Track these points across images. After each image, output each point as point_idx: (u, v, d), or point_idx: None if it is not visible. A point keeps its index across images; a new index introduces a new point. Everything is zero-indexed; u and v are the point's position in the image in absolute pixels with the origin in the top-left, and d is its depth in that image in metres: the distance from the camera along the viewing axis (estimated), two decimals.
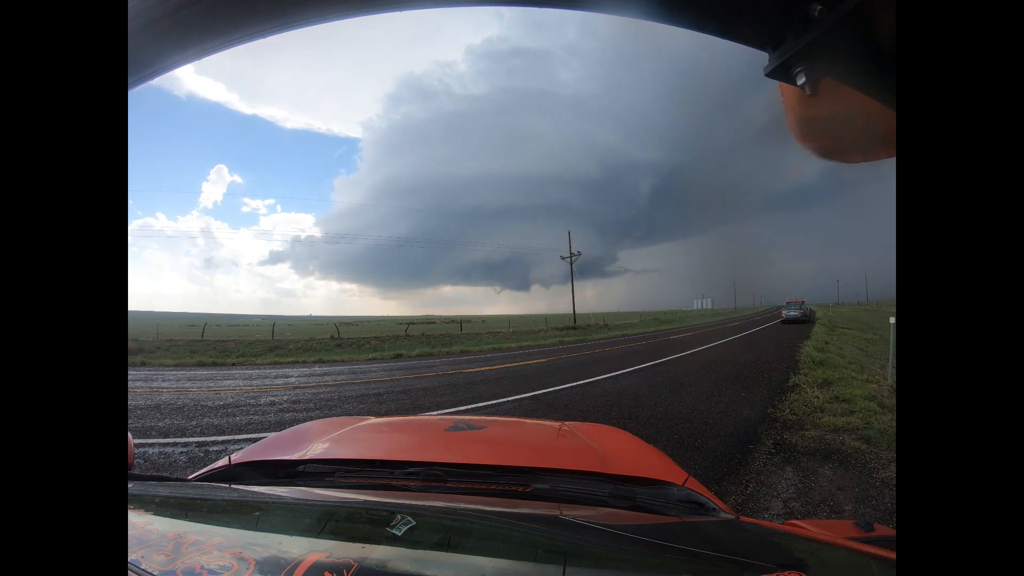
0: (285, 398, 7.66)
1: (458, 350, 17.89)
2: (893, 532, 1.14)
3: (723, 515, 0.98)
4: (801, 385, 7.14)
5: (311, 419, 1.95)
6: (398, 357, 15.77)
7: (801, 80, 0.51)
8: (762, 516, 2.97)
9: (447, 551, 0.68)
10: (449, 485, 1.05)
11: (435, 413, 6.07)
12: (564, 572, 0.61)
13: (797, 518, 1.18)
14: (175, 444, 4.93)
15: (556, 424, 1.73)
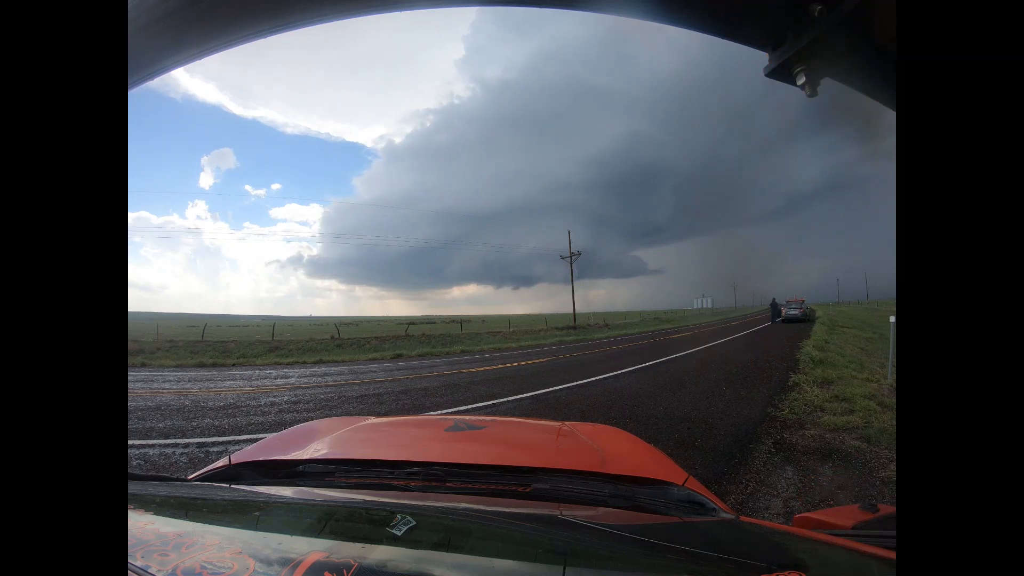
0: (285, 399, 7.65)
1: (458, 350, 17.88)
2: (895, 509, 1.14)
3: (723, 515, 0.98)
4: (801, 384, 7.15)
5: (312, 419, 1.95)
6: (398, 357, 15.76)
7: (801, 80, 0.51)
8: (762, 516, 2.97)
9: (447, 551, 0.68)
10: (449, 485, 1.05)
11: (435, 413, 6.07)
12: (564, 572, 0.61)
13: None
14: (175, 445, 4.93)
15: (556, 424, 1.73)
